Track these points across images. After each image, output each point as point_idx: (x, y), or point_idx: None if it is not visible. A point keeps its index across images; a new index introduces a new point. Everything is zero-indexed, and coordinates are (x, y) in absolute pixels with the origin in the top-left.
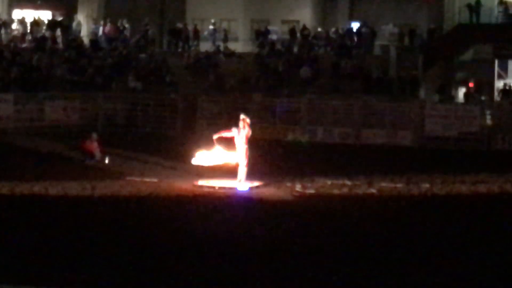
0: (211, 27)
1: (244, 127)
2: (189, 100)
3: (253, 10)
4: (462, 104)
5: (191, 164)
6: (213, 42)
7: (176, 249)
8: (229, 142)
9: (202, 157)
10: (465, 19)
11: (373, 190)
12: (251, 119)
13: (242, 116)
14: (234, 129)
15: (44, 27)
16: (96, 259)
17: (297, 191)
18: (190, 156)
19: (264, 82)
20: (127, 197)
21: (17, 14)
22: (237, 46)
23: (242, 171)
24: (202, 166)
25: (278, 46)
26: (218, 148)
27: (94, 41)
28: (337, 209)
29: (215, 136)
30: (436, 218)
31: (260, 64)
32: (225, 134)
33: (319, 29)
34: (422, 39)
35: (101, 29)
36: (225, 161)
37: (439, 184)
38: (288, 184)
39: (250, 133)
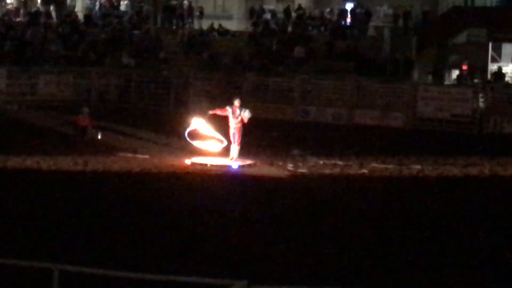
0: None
1: (237, 109)
2: (182, 78)
3: None
4: (455, 86)
5: (183, 140)
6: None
7: (166, 224)
8: (221, 120)
9: (196, 126)
10: (459, 2)
11: (364, 171)
12: (244, 98)
13: (236, 102)
14: (228, 108)
15: (39, 2)
16: (85, 234)
17: (289, 170)
18: (183, 133)
19: (257, 61)
20: (118, 173)
21: None
22: (232, 25)
23: (235, 149)
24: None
25: (272, 25)
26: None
27: (88, 16)
28: (327, 188)
29: (209, 112)
30: (426, 200)
31: (254, 43)
32: (219, 112)
33: (314, 9)
34: (416, 21)
35: (96, 4)
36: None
37: (430, 166)
38: (280, 163)
39: (241, 116)
